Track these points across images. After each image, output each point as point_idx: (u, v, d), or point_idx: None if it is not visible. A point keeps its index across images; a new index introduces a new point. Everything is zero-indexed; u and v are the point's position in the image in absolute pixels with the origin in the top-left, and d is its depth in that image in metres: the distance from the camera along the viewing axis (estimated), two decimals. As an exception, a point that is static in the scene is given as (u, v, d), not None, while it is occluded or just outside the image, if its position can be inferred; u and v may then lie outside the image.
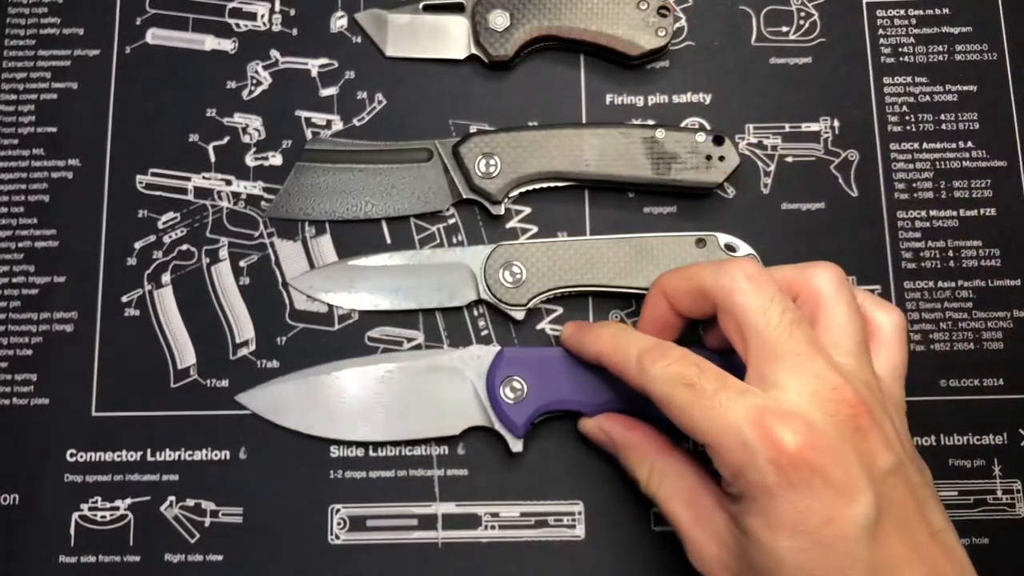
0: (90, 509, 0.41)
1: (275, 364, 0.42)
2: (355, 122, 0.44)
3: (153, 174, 0.44)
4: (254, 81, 0.45)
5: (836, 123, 0.44)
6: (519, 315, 0.41)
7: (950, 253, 0.42)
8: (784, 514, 0.30)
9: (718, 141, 0.42)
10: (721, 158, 0.42)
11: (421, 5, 0.45)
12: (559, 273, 0.41)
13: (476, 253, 0.42)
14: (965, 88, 0.44)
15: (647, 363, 0.34)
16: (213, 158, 0.44)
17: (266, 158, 0.44)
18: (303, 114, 0.44)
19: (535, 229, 0.43)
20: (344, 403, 0.40)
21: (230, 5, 0.46)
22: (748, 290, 0.33)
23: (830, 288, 0.34)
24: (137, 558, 0.40)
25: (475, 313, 0.42)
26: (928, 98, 0.44)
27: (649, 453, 0.37)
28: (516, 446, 0.39)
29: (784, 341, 0.32)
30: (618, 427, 0.38)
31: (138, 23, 0.45)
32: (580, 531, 0.40)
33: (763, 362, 0.32)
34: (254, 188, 0.44)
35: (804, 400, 0.31)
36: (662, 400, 0.33)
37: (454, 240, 0.43)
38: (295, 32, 0.45)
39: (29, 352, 0.42)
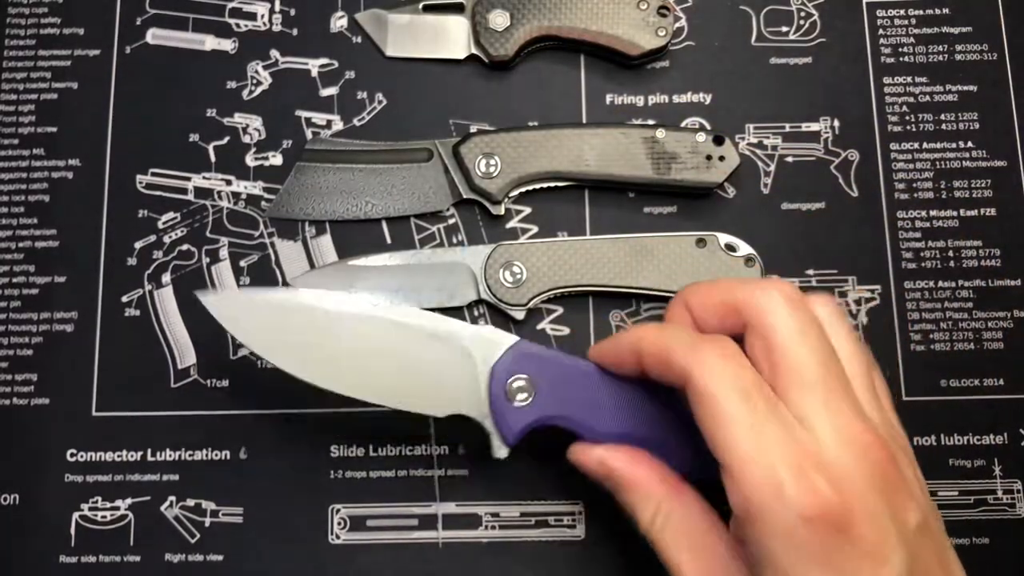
0: (90, 509, 0.41)
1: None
2: (355, 122, 0.44)
3: (153, 174, 0.44)
4: (254, 81, 0.45)
5: (836, 123, 0.44)
6: (519, 315, 0.41)
7: (950, 253, 0.42)
8: (812, 568, 0.27)
9: (718, 141, 0.42)
10: (721, 158, 0.42)
11: (421, 5, 0.45)
12: (559, 273, 0.41)
13: (476, 253, 0.42)
14: (965, 88, 0.44)
15: (705, 349, 0.30)
16: (213, 158, 0.44)
17: (266, 158, 0.44)
18: (303, 114, 0.44)
19: (535, 229, 0.43)
20: (339, 345, 0.36)
21: (230, 5, 0.46)
22: (786, 313, 0.30)
23: (831, 318, 0.32)
24: (137, 558, 0.40)
25: (475, 313, 0.42)
26: (928, 98, 0.44)
27: (656, 491, 0.33)
28: (501, 451, 0.36)
29: (819, 373, 0.29)
30: (622, 461, 0.34)
31: (138, 23, 0.45)
32: (580, 531, 0.40)
33: (792, 391, 0.29)
34: (254, 188, 0.44)
35: (837, 443, 0.28)
36: (705, 396, 0.29)
37: (454, 240, 0.43)
38: (295, 32, 0.45)
39: (29, 352, 0.42)
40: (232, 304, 0.36)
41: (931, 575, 0.28)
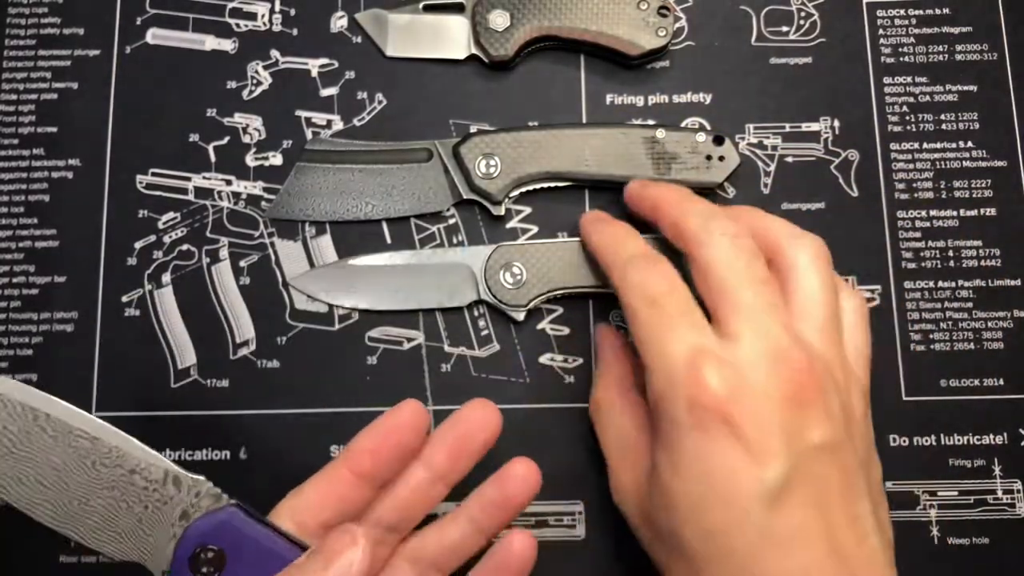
0: (90, 509, 0.41)
1: (275, 364, 0.42)
2: (355, 122, 0.44)
3: (153, 174, 0.44)
4: (254, 81, 0.45)
5: (836, 123, 0.44)
6: (520, 316, 0.41)
7: (950, 253, 0.43)
8: (687, 454, 0.30)
9: (718, 141, 0.42)
10: (721, 158, 0.42)
11: (421, 5, 0.45)
12: (560, 274, 0.41)
13: (476, 253, 0.42)
14: (965, 88, 0.44)
15: (630, 270, 0.35)
16: (213, 158, 0.44)
17: (266, 158, 0.44)
18: (303, 114, 0.44)
19: (535, 229, 0.43)
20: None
21: (230, 5, 0.46)
22: (720, 245, 0.33)
23: (806, 259, 0.34)
24: (137, 558, 0.40)
25: (475, 313, 0.42)
26: (928, 98, 0.44)
27: (610, 374, 0.39)
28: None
29: (746, 295, 0.32)
30: (606, 340, 0.40)
31: (138, 23, 0.45)
32: (580, 531, 0.40)
33: (723, 311, 0.32)
34: (254, 188, 0.44)
35: (752, 355, 0.31)
36: (627, 311, 0.34)
37: (454, 240, 0.43)
38: (295, 32, 0.45)
39: (29, 352, 0.42)
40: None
41: (823, 492, 0.30)
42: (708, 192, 0.43)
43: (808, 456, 0.30)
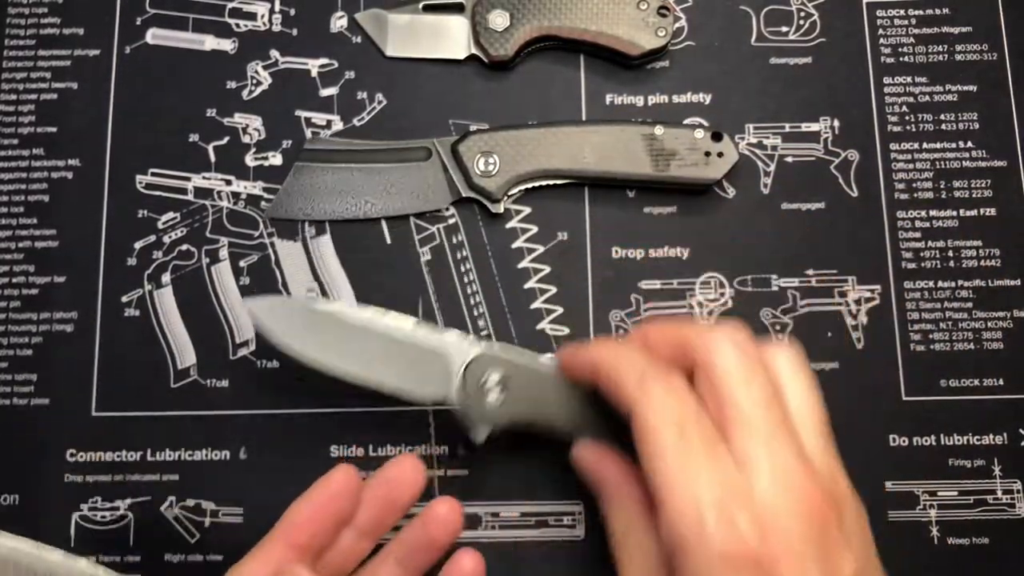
0: (90, 509, 0.41)
1: (275, 364, 0.42)
2: (355, 122, 0.44)
3: (153, 174, 0.44)
4: (254, 81, 0.45)
5: (836, 123, 0.44)
6: (480, 437, 0.36)
7: (950, 253, 0.42)
8: None
9: (716, 137, 0.42)
10: (720, 154, 0.42)
11: (421, 5, 0.45)
12: (539, 405, 0.37)
13: (460, 351, 0.37)
14: (965, 88, 0.44)
15: (651, 383, 0.31)
16: (213, 158, 0.44)
17: (266, 158, 0.44)
18: (303, 114, 0.44)
19: (535, 229, 0.43)
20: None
21: (230, 5, 0.46)
22: (732, 354, 0.31)
23: (789, 366, 0.32)
24: (137, 558, 0.40)
25: (475, 313, 0.42)
26: (928, 98, 0.44)
27: (629, 507, 0.34)
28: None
29: (761, 415, 0.30)
30: (608, 461, 0.36)
31: (138, 23, 0.45)
32: (580, 531, 0.40)
33: (733, 431, 0.29)
34: (254, 188, 0.44)
35: (773, 485, 0.28)
36: (645, 428, 0.30)
37: (454, 240, 0.43)
38: (295, 32, 0.45)
39: (29, 352, 0.42)
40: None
41: None
42: (707, 188, 0.43)
43: None
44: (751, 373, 0.30)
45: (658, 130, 0.42)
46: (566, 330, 0.42)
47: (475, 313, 0.42)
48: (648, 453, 0.30)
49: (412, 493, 0.37)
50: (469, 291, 0.42)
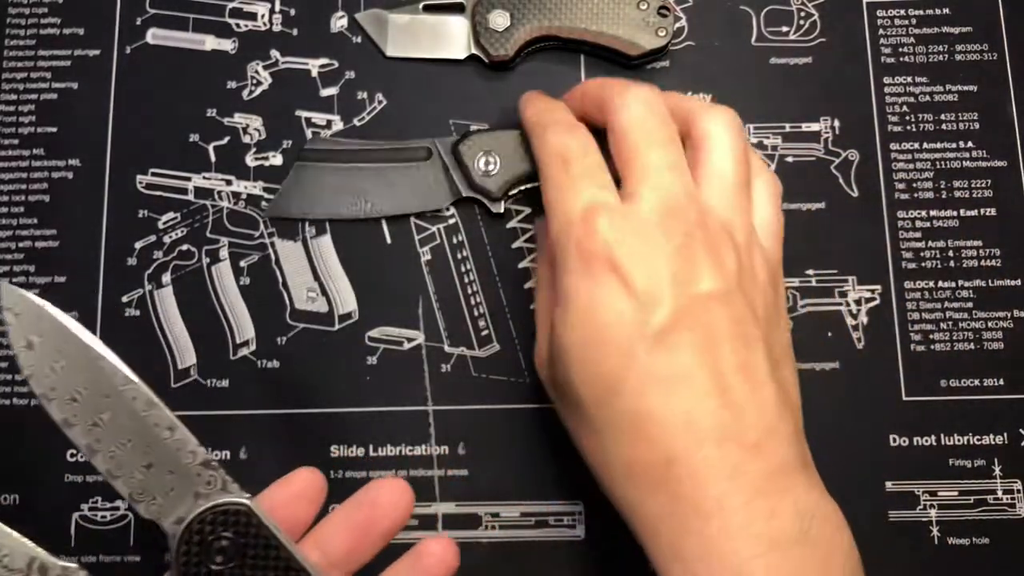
0: (90, 509, 0.41)
1: (275, 364, 0.42)
2: (355, 122, 0.44)
3: (153, 174, 0.44)
4: (254, 81, 0.45)
5: (836, 123, 0.44)
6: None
7: (950, 253, 0.42)
8: (577, 302, 0.31)
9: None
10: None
11: (421, 5, 0.45)
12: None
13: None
14: (965, 88, 0.44)
15: (550, 133, 0.36)
16: (213, 158, 0.44)
17: (266, 158, 0.44)
18: (303, 114, 0.44)
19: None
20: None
21: (230, 5, 0.46)
22: (634, 109, 0.34)
23: (719, 129, 0.35)
24: (137, 558, 0.40)
25: (475, 313, 0.42)
26: (928, 98, 0.44)
27: (543, 256, 0.39)
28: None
29: (651, 156, 0.33)
30: (542, 228, 0.40)
31: (138, 23, 0.45)
32: (580, 531, 0.40)
33: (628, 172, 0.33)
34: (254, 188, 0.44)
35: (647, 209, 0.32)
36: (540, 172, 0.36)
37: (454, 240, 0.43)
38: (295, 32, 0.45)
39: (29, 352, 0.42)
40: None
41: (711, 338, 0.31)
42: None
43: (696, 303, 0.31)
44: (647, 120, 0.34)
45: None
46: (566, 330, 0.42)
47: (475, 313, 0.42)
48: (542, 186, 0.35)
49: (392, 523, 0.32)
50: (469, 291, 0.42)
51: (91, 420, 0.30)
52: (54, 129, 0.44)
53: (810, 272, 0.42)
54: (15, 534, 0.30)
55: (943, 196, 0.43)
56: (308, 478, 0.32)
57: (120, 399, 0.30)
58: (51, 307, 0.30)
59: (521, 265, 0.43)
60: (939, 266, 0.42)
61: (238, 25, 0.46)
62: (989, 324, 0.42)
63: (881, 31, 0.45)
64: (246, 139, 0.44)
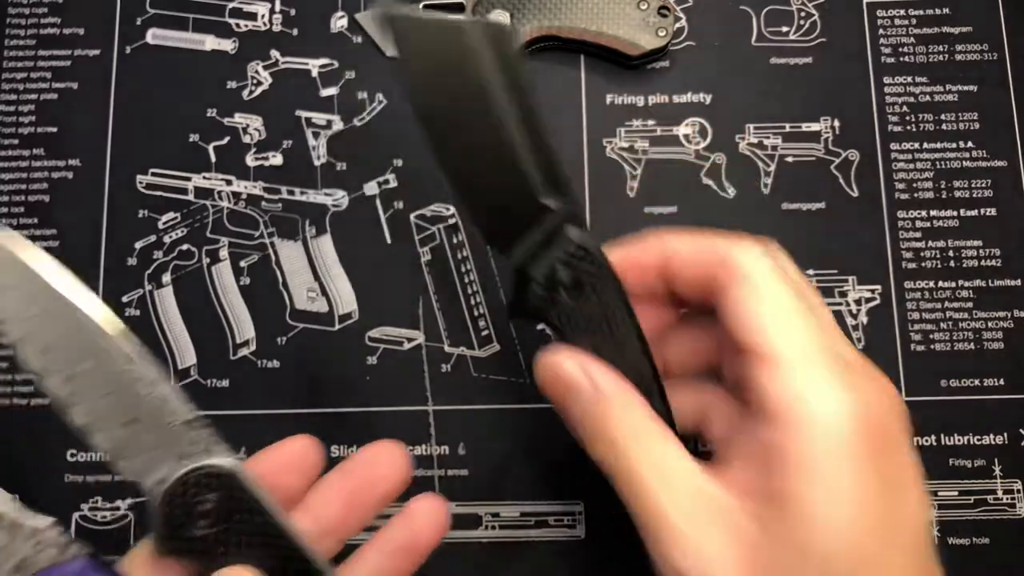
0: (91, 509, 0.41)
1: (275, 364, 0.42)
2: (355, 122, 0.44)
3: (153, 174, 0.44)
4: (254, 81, 0.45)
5: (836, 123, 0.44)
6: None
7: (950, 253, 0.43)
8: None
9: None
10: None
11: (421, 5, 0.45)
12: None
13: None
14: (965, 88, 0.44)
15: (750, 244, 0.28)
16: (213, 158, 0.44)
17: (266, 158, 0.44)
18: (303, 114, 0.44)
19: (535, 229, 0.43)
20: None
21: (230, 5, 0.46)
22: (772, 268, 0.27)
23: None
24: (137, 558, 0.40)
25: (475, 313, 0.42)
26: (928, 98, 0.44)
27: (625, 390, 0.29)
28: None
29: (819, 347, 0.26)
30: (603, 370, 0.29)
31: (138, 23, 0.45)
32: (580, 531, 0.40)
33: (777, 382, 0.26)
34: (254, 188, 0.44)
35: (860, 368, 0.26)
36: (750, 281, 0.27)
37: (454, 240, 0.43)
38: (295, 32, 0.45)
39: (29, 352, 0.42)
40: None
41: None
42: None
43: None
44: (790, 290, 0.27)
45: None
46: (566, 330, 0.42)
47: (475, 313, 0.42)
48: (757, 306, 0.27)
49: (387, 489, 0.30)
50: (469, 291, 0.42)
51: (67, 372, 0.28)
52: (54, 129, 0.44)
53: (810, 272, 0.42)
54: None
55: (943, 196, 0.43)
56: (300, 448, 0.30)
57: (100, 352, 0.28)
58: (34, 252, 0.29)
59: (521, 265, 0.43)
60: (939, 266, 0.42)
61: (238, 25, 0.46)
62: (989, 324, 0.42)
63: (881, 31, 0.45)
64: (246, 139, 0.44)
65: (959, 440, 0.41)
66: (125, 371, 0.28)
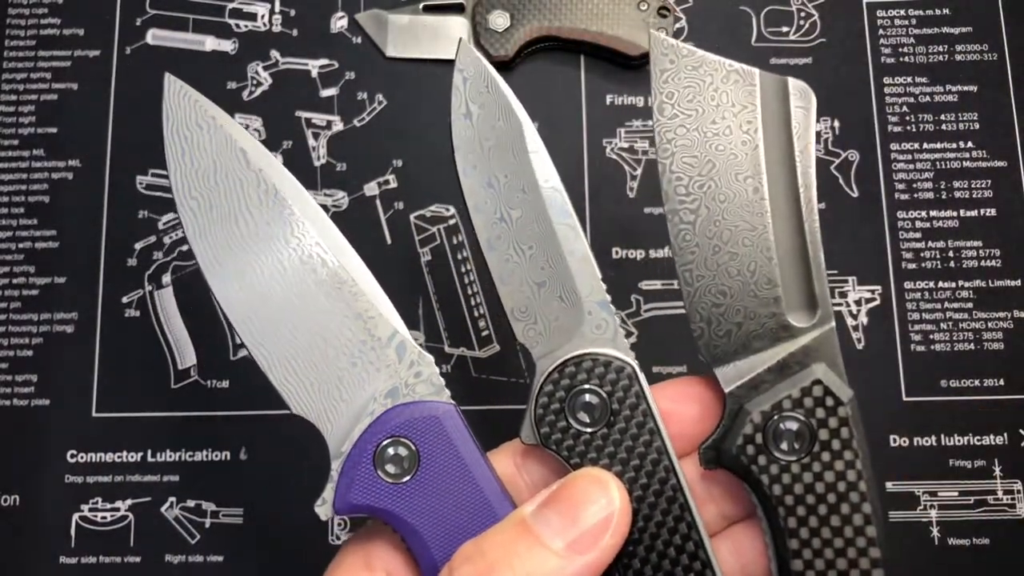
0: (91, 510, 0.41)
1: (275, 364, 0.42)
2: (355, 122, 0.44)
3: (153, 174, 0.44)
4: (254, 82, 0.45)
5: (836, 123, 0.44)
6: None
7: (950, 253, 0.42)
8: None
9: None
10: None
11: (421, 6, 0.45)
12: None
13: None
14: (965, 88, 0.44)
15: None
16: (213, 158, 0.44)
17: (266, 158, 0.44)
18: (303, 115, 0.44)
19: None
20: None
21: (230, 6, 0.46)
22: None
23: None
24: (138, 559, 0.40)
25: (475, 314, 0.42)
26: (928, 98, 0.44)
27: None
28: (321, 511, 0.29)
29: None
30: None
31: (138, 24, 0.45)
32: (580, 531, 0.40)
33: None
34: (254, 188, 0.44)
35: None
36: None
37: (454, 240, 0.43)
38: (295, 33, 0.45)
39: (30, 353, 0.42)
40: None
41: None
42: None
43: None
44: None
45: None
46: (566, 330, 0.42)
47: (475, 313, 0.42)
48: None
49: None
50: (469, 291, 0.42)
51: (499, 213, 0.26)
52: (54, 129, 0.44)
53: (810, 272, 0.42)
54: (386, 301, 0.27)
55: (943, 196, 0.43)
56: (700, 381, 0.27)
57: (537, 199, 0.26)
58: (503, 86, 0.26)
59: (521, 265, 0.43)
60: (939, 266, 0.42)
61: (238, 26, 0.46)
62: (989, 324, 0.42)
63: (881, 31, 0.45)
64: (246, 139, 0.44)
65: (959, 440, 0.41)
66: (557, 227, 0.26)
